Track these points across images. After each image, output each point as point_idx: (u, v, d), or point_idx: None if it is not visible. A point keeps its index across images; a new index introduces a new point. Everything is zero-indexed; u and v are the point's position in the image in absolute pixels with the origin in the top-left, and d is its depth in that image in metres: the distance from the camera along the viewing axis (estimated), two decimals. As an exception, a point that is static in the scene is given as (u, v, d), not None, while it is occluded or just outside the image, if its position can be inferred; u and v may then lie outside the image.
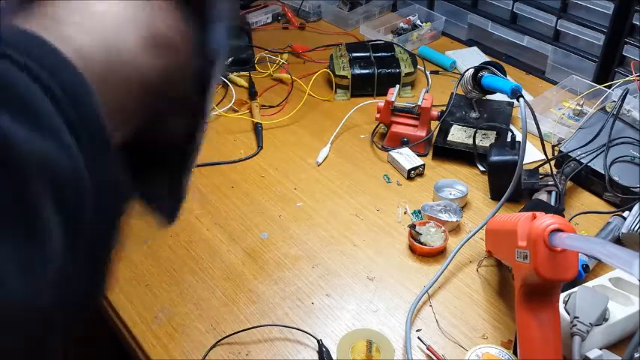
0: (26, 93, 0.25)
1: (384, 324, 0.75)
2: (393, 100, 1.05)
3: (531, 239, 0.59)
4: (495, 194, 0.95)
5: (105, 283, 0.29)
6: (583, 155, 0.94)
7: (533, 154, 1.02)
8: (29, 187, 0.24)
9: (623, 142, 0.94)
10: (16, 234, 0.23)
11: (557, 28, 1.22)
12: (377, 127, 1.11)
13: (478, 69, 1.02)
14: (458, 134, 1.05)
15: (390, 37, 1.38)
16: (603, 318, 0.69)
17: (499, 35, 1.33)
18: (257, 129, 1.10)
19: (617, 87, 1.08)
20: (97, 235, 0.28)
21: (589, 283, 0.74)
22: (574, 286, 0.71)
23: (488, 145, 0.99)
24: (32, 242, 0.24)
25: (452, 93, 1.09)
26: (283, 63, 1.29)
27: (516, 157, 0.87)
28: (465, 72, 1.05)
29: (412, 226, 0.86)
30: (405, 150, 1.03)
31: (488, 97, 1.08)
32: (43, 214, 0.24)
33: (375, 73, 1.21)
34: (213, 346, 0.72)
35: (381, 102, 1.06)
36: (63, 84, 0.26)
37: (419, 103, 1.05)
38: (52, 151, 0.24)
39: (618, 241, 0.84)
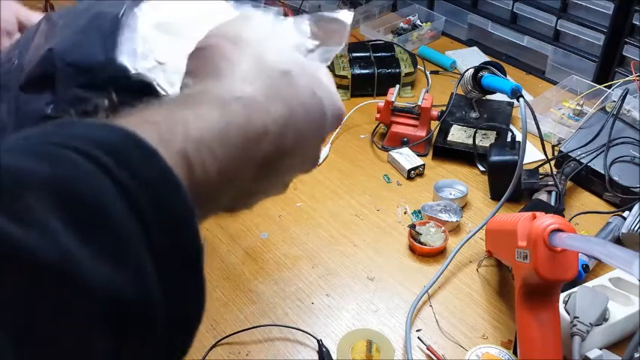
0: (115, 219, 0.23)
1: (384, 324, 0.75)
2: (393, 100, 1.05)
3: (531, 239, 0.59)
4: (495, 194, 0.95)
5: None
6: (583, 155, 0.94)
7: (533, 154, 1.02)
8: (84, 322, 0.22)
9: (623, 142, 0.94)
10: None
11: (557, 28, 1.22)
12: (377, 127, 1.11)
13: (478, 69, 1.02)
14: (458, 134, 1.05)
15: (390, 37, 1.38)
16: (603, 318, 0.69)
17: (499, 35, 1.33)
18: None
19: (617, 87, 1.08)
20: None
21: (589, 283, 0.74)
22: (574, 286, 0.71)
23: (488, 145, 0.99)
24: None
25: (452, 93, 1.09)
26: (283, 63, 1.29)
27: (516, 157, 0.87)
28: (465, 72, 1.05)
29: (412, 226, 0.86)
30: (405, 150, 1.03)
31: (488, 97, 1.08)
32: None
33: (375, 73, 1.21)
34: (213, 346, 0.72)
35: (381, 102, 1.06)
36: (159, 208, 0.25)
37: (419, 103, 1.05)
38: (121, 284, 0.23)
39: (618, 241, 0.84)
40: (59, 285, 0.21)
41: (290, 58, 0.39)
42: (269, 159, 0.35)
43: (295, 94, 0.36)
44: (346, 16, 0.44)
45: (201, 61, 0.37)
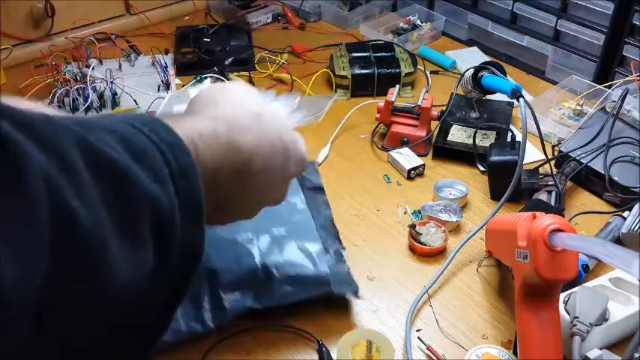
0: (152, 157, 0.37)
1: (384, 324, 0.75)
2: (393, 100, 1.05)
3: (531, 239, 0.59)
4: (495, 194, 0.95)
5: (170, 315, 0.40)
6: (583, 155, 0.94)
7: (533, 154, 1.02)
8: (140, 213, 0.35)
9: (623, 142, 0.94)
10: (127, 243, 0.33)
11: (557, 28, 1.22)
12: (377, 127, 1.11)
13: (478, 69, 1.02)
14: (458, 134, 1.05)
15: (390, 37, 1.38)
16: (603, 318, 0.69)
17: (499, 35, 1.33)
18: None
19: (617, 87, 1.08)
20: (174, 274, 0.38)
21: (589, 283, 0.74)
22: (574, 286, 0.71)
23: (488, 145, 0.99)
24: (138, 250, 0.34)
25: (452, 93, 1.09)
26: (283, 63, 1.29)
27: (516, 157, 0.87)
28: (465, 72, 1.05)
29: (412, 226, 0.86)
30: (405, 150, 1.03)
31: (488, 97, 1.08)
32: (144, 235, 0.35)
33: (375, 73, 1.21)
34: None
35: (381, 102, 1.06)
36: (177, 160, 0.38)
37: (419, 103, 1.05)
38: (160, 196, 0.36)
39: (618, 241, 0.84)
40: (129, 187, 0.34)
41: (264, 106, 0.53)
42: (242, 171, 0.48)
43: (264, 129, 0.50)
44: (331, 95, 0.62)
45: (197, 104, 0.52)
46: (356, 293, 0.75)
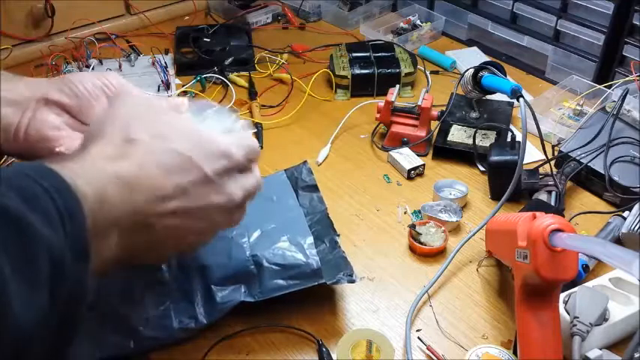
0: (44, 202, 0.39)
1: (383, 324, 0.75)
2: (393, 100, 1.05)
3: (531, 239, 0.59)
4: (495, 194, 0.95)
5: (69, 335, 0.42)
6: (583, 155, 0.94)
7: (533, 154, 1.02)
8: (36, 257, 0.37)
9: (623, 142, 0.94)
10: (23, 282, 0.36)
11: (557, 28, 1.22)
12: (377, 127, 1.11)
13: (478, 69, 1.02)
14: (458, 134, 1.05)
15: (390, 37, 1.38)
16: (603, 318, 0.69)
17: (499, 35, 1.33)
18: (257, 129, 1.10)
19: (617, 87, 1.08)
20: (61, 315, 0.40)
21: (589, 283, 0.74)
22: (574, 286, 0.71)
23: (488, 145, 0.99)
24: (34, 292, 0.37)
25: (452, 93, 1.09)
26: (283, 63, 1.29)
27: (516, 157, 0.87)
28: (465, 72, 1.05)
29: (412, 226, 0.86)
30: (405, 150, 1.03)
31: (488, 97, 1.08)
32: (41, 278, 0.37)
33: (375, 73, 1.21)
34: (213, 345, 0.72)
35: (381, 102, 1.06)
36: (65, 204, 0.40)
37: (419, 103, 1.05)
38: (53, 239, 0.38)
39: (618, 241, 0.84)
40: (24, 232, 0.37)
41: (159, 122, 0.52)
42: (132, 190, 0.47)
43: (150, 151, 0.49)
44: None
45: (89, 133, 0.52)
46: (351, 277, 0.73)
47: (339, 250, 0.78)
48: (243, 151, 0.55)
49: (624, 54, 1.14)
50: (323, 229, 0.82)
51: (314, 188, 0.89)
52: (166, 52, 1.33)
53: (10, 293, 0.34)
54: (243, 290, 0.73)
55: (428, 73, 1.28)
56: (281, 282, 0.73)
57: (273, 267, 0.74)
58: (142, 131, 0.49)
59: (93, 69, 1.15)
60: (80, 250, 0.41)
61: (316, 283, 0.73)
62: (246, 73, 1.27)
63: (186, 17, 1.52)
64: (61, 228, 0.39)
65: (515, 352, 0.68)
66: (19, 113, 0.61)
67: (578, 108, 1.11)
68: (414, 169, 1.00)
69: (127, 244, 0.47)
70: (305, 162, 0.94)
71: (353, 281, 0.74)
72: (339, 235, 0.81)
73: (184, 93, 1.18)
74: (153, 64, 1.25)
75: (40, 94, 0.62)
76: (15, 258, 0.36)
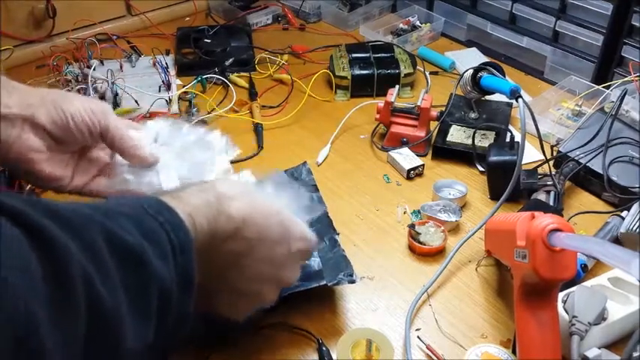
0: (158, 237, 0.44)
1: (383, 323, 0.76)
2: (392, 100, 1.06)
3: (530, 239, 0.60)
4: (494, 194, 0.95)
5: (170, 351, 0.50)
6: (582, 155, 0.95)
7: (532, 155, 1.03)
8: (150, 291, 0.42)
9: (621, 143, 0.95)
10: (137, 316, 0.41)
11: (556, 28, 1.22)
12: (377, 127, 1.11)
13: (477, 69, 1.02)
14: (457, 134, 1.05)
15: (389, 38, 1.38)
16: (602, 317, 0.70)
17: (498, 36, 1.34)
18: (257, 129, 1.11)
19: (615, 87, 1.09)
20: (166, 339, 0.46)
21: (588, 283, 0.74)
22: (573, 286, 0.72)
23: (487, 145, 0.99)
24: (145, 322, 0.42)
25: (451, 93, 1.09)
26: (283, 64, 1.29)
27: (515, 157, 0.88)
28: (464, 73, 1.05)
29: (412, 226, 0.87)
30: (405, 150, 1.04)
31: (488, 97, 1.08)
32: (151, 310, 0.43)
33: (374, 73, 1.21)
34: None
35: (380, 102, 1.07)
36: (178, 238, 0.45)
37: (418, 104, 1.05)
38: (164, 273, 0.43)
39: (617, 240, 0.85)
40: (143, 269, 0.42)
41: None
42: (236, 237, 0.54)
43: (255, 200, 0.57)
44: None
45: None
46: (351, 277, 0.74)
47: (339, 249, 0.79)
48: (313, 243, 0.64)
49: (623, 54, 1.14)
50: (323, 227, 0.82)
51: (314, 188, 0.90)
52: (167, 52, 1.33)
53: (125, 329, 0.40)
54: None
55: (427, 73, 1.29)
56: None
57: None
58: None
59: (94, 69, 1.16)
60: (187, 282, 0.46)
61: (317, 285, 0.73)
62: (246, 74, 1.27)
63: (187, 18, 1.52)
64: (173, 261, 0.45)
65: (514, 352, 0.68)
66: (5, 130, 0.62)
67: (577, 108, 1.12)
68: (414, 169, 1.00)
69: (208, 278, 0.52)
70: (304, 162, 0.94)
71: (353, 281, 0.74)
72: (338, 234, 0.82)
73: (185, 94, 1.18)
74: (154, 64, 1.26)
75: (28, 114, 0.62)
76: (132, 293, 0.41)
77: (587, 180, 0.95)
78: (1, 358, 0.31)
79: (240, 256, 0.55)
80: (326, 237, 0.81)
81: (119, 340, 0.39)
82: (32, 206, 0.37)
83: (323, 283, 0.73)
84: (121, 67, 1.26)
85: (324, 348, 0.71)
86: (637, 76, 1.04)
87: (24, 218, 0.35)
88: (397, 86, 1.11)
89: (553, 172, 0.93)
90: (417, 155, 1.03)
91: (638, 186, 0.89)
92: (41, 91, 0.66)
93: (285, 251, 0.59)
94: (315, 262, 0.75)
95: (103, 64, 1.25)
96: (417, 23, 1.43)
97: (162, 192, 0.54)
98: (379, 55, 1.25)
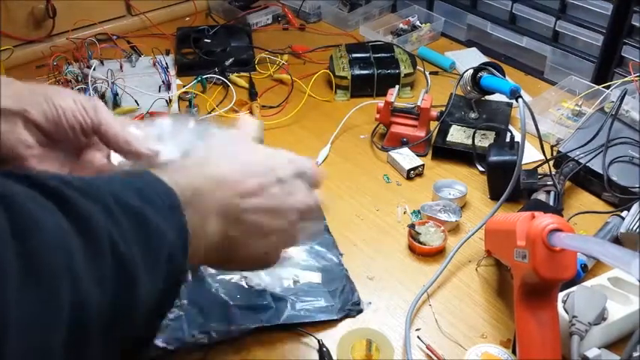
0: (156, 200, 0.48)
1: (383, 323, 0.76)
2: (392, 100, 1.06)
3: (530, 239, 0.60)
4: (494, 194, 0.95)
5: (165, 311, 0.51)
6: (582, 155, 0.95)
7: (531, 155, 1.03)
8: (154, 243, 0.46)
9: (621, 143, 0.95)
10: (149, 265, 0.44)
11: (556, 28, 1.22)
12: (377, 127, 1.11)
13: (477, 70, 1.02)
14: (457, 134, 1.05)
15: (389, 38, 1.38)
16: (602, 317, 0.70)
17: (498, 36, 1.34)
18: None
19: (615, 87, 1.09)
20: (171, 285, 0.48)
21: (587, 283, 0.74)
22: (573, 286, 0.72)
23: (487, 145, 0.99)
24: (154, 272, 0.45)
25: (451, 93, 1.09)
26: (283, 64, 1.29)
27: (515, 157, 0.88)
28: (464, 73, 1.05)
29: (412, 226, 0.87)
30: (405, 150, 1.04)
31: (488, 97, 1.08)
32: (160, 258, 0.46)
33: (374, 73, 1.21)
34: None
35: (380, 102, 1.07)
36: (169, 199, 0.49)
37: (418, 104, 1.05)
38: (164, 229, 0.47)
39: (617, 240, 0.85)
40: (149, 228, 0.46)
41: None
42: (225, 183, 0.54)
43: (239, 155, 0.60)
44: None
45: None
46: (358, 305, 0.77)
47: (343, 268, 0.81)
48: (308, 163, 0.63)
49: (623, 54, 1.14)
50: (324, 244, 0.85)
51: None
52: (167, 52, 1.33)
53: (140, 275, 0.43)
54: (261, 318, 0.74)
55: (427, 73, 1.29)
56: (301, 314, 0.75)
57: (298, 306, 0.76)
58: (223, 156, 0.59)
59: (94, 69, 1.16)
60: (184, 239, 0.48)
61: (327, 319, 0.75)
62: (246, 74, 1.27)
63: (187, 18, 1.52)
64: (169, 218, 0.47)
65: (514, 352, 0.68)
66: None
67: (577, 108, 1.12)
68: (414, 169, 1.00)
69: (222, 231, 0.54)
70: None
71: (361, 311, 0.77)
72: (342, 255, 0.84)
73: (185, 93, 1.18)
74: (154, 64, 1.26)
75: (20, 109, 0.62)
76: (142, 246, 0.44)
77: (587, 180, 0.95)
78: (52, 315, 0.36)
79: (235, 197, 0.55)
80: (329, 253, 0.83)
81: (137, 286, 0.43)
82: (53, 179, 0.42)
83: (333, 317, 0.75)
84: (121, 67, 1.26)
85: (324, 349, 0.71)
86: (637, 76, 1.04)
87: (54, 190, 0.41)
88: (397, 86, 1.11)
89: (553, 172, 0.93)
90: (417, 155, 1.03)
91: (638, 186, 0.89)
92: (31, 85, 0.65)
93: (273, 178, 0.58)
94: (334, 301, 0.77)
95: (103, 64, 1.26)
96: (417, 23, 1.43)
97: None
98: (379, 55, 1.25)
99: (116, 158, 0.70)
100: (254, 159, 0.59)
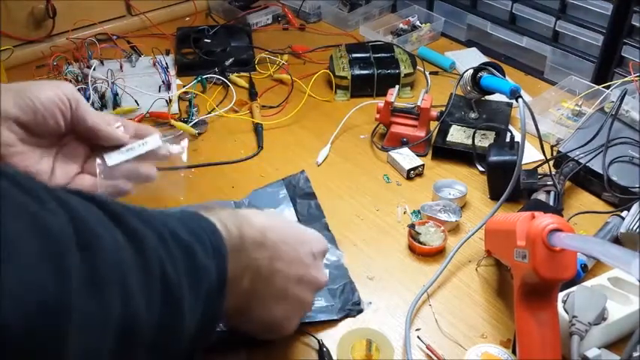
0: (204, 240, 0.52)
1: (383, 323, 0.76)
2: (392, 100, 1.06)
3: (530, 239, 0.60)
4: (494, 194, 0.95)
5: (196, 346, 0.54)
6: (582, 155, 0.95)
7: (531, 155, 1.03)
8: (201, 277, 0.50)
9: (621, 143, 0.95)
10: (194, 296, 0.49)
11: (556, 28, 1.22)
12: (376, 127, 1.11)
13: (477, 69, 1.02)
14: (457, 134, 1.05)
15: (389, 38, 1.38)
16: (602, 317, 0.70)
17: (498, 36, 1.34)
18: (257, 129, 1.11)
19: (615, 87, 1.09)
20: (207, 323, 0.53)
21: (587, 283, 0.74)
22: (573, 286, 0.72)
23: (487, 145, 0.99)
24: (198, 302, 0.49)
25: (451, 93, 1.09)
26: (283, 64, 1.29)
27: (515, 157, 0.88)
28: (464, 73, 1.05)
29: (411, 226, 0.87)
30: (405, 150, 1.04)
31: (488, 97, 1.08)
32: (202, 291, 0.50)
33: (374, 73, 1.21)
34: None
35: (380, 102, 1.07)
36: (213, 241, 0.53)
37: (418, 104, 1.05)
38: (210, 270, 0.52)
39: (617, 240, 0.85)
40: (195, 260, 0.50)
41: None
42: (261, 241, 0.59)
43: (272, 215, 0.71)
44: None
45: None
46: (358, 305, 0.77)
47: (343, 268, 0.81)
48: (326, 243, 0.70)
49: (623, 54, 1.14)
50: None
51: (311, 196, 0.92)
52: (167, 52, 1.33)
53: (185, 304, 0.47)
54: None
55: (427, 73, 1.29)
56: None
57: None
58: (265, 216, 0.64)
59: (94, 69, 1.16)
60: (221, 283, 0.52)
61: (327, 318, 0.75)
62: (246, 74, 1.27)
63: (187, 18, 1.52)
64: (213, 260, 0.51)
65: (514, 352, 0.68)
66: None
67: (577, 108, 1.12)
68: (414, 169, 1.00)
69: (252, 286, 0.58)
70: (302, 171, 0.96)
71: (361, 311, 0.77)
72: (342, 254, 0.84)
73: (185, 94, 1.18)
74: (154, 64, 1.26)
75: None
76: (189, 278, 0.48)
77: (587, 180, 0.95)
78: (106, 331, 0.39)
79: (272, 259, 0.60)
80: (332, 256, 0.83)
81: (182, 309, 0.47)
82: (115, 203, 0.45)
83: (333, 317, 0.75)
84: (121, 67, 1.26)
85: (324, 349, 0.71)
86: (637, 76, 1.04)
87: (114, 212, 0.44)
88: (397, 86, 1.11)
89: (553, 172, 0.93)
90: (417, 155, 1.03)
91: (638, 186, 0.89)
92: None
93: (308, 251, 0.64)
94: (334, 301, 0.77)
95: (103, 64, 1.26)
96: (417, 23, 1.43)
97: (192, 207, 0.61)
98: (379, 55, 1.25)
99: (112, 160, 0.70)
100: (291, 228, 0.65)
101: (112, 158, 0.71)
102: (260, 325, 0.64)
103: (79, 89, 1.11)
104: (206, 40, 1.35)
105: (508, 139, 0.96)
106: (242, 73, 1.27)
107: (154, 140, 0.73)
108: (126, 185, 0.72)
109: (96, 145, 0.71)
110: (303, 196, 0.92)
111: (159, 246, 0.46)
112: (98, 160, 0.71)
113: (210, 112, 1.15)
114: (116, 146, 0.71)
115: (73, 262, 0.37)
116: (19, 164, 0.64)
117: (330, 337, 0.73)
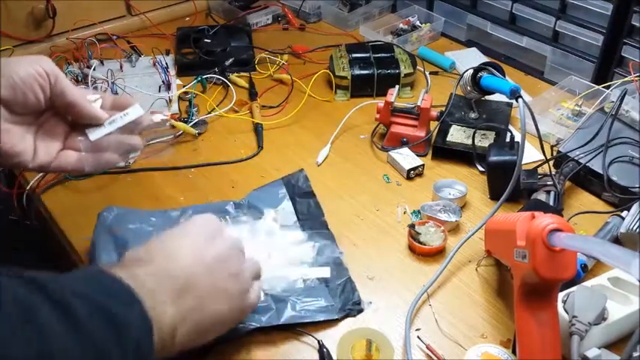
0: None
1: (383, 323, 0.76)
2: (392, 100, 1.06)
3: (530, 239, 0.60)
4: (494, 194, 0.95)
5: None
6: (582, 155, 0.95)
7: (531, 155, 1.03)
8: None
9: (621, 143, 0.95)
10: None
11: (556, 28, 1.22)
12: (377, 127, 1.11)
13: (477, 69, 1.02)
14: (457, 134, 1.05)
15: (389, 38, 1.38)
16: (602, 317, 0.70)
17: (498, 36, 1.34)
18: (257, 129, 1.11)
19: (615, 87, 1.09)
20: None
21: (587, 283, 0.74)
22: (573, 286, 0.72)
23: (487, 145, 0.99)
24: None
25: (451, 93, 1.09)
26: (283, 64, 1.29)
27: (515, 157, 0.88)
28: (464, 73, 1.05)
29: (412, 226, 0.87)
30: (405, 150, 1.04)
31: (488, 97, 1.08)
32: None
33: (374, 73, 1.21)
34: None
35: (380, 102, 1.07)
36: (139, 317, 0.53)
37: (418, 104, 1.05)
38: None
39: (617, 240, 0.85)
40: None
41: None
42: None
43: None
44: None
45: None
46: (359, 305, 0.77)
47: (343, 267, 0.81)
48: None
49: (623, 54, 1.14)
50: (324, 241, 0.85)
51: (310, 195, 0.92)
52: (167, 52, 1.33)
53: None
54: (262, 319, 0.74)
55: (427, 73, 1.29)
56: (301, 314, 0.75)
57: (299, 306, 0.76)
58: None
59: (94, 69, 1.16)
60: (148, 325, 0.53)
61: (327, 318, 0.75)
62: (246, 74, 1.27)
63: (187, 18, 1.52)
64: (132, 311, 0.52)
65: (514, 352, 0.68)
66: None
67: (577, 108, 1.12)
68: (414, 169, 1.00)
69: (180, 304, 0.59)
70: (302, 170, 0.96)
71: (361, 310, 0.76)
72: (342, 253, 0.83)
73: (185, 94, 1.18)
74: (154, 64, 1.26)
75: None
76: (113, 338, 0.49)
77: (587, 180, 0.95)
78: None
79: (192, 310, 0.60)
80: (331, 253, 0.83)
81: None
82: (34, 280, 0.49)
83: (334, 317, 0.75)
84: (121, 67, 1.26)
85: (324, 349, 0.71)
86: (637, 76, 1.04)
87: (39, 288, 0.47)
88: (397, 86, 1.11)
89: (553, 172, 0.93)
90: (417, 155, 1.03)
91: (638, 186, 0.89)
92: None
93: (218, 258, 0.64)
94: (334, 300, 0.77)
95: (103, 64, 1.26)
96: (417, 23, 1.43)
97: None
98: (379, 55, 1.25)
99: (94, 135, 0.70)
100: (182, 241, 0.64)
101: (94, 133, 0.70)
102: (221, 320, 0.64)
103: (79, 89, 1.11)
104: (206, 40, 1.35)
105: (508, 139, 0.96)
106: (242, 73, 1.27)
107: (135, 110, 0.72)
108: (112, 157, 0.72)
109: (75, 122, 0.71)
110: (302, 195, 0.92)
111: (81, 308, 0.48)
112: (80, 137, 0.70)
113: (210, 112, 1.15)
114: None
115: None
116: (4, 143, 0.63)
117: (330, 337, 0.73)
